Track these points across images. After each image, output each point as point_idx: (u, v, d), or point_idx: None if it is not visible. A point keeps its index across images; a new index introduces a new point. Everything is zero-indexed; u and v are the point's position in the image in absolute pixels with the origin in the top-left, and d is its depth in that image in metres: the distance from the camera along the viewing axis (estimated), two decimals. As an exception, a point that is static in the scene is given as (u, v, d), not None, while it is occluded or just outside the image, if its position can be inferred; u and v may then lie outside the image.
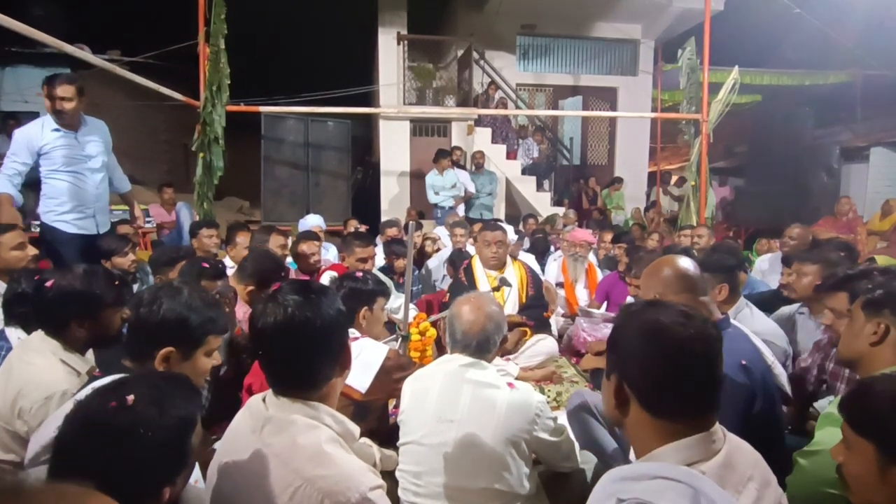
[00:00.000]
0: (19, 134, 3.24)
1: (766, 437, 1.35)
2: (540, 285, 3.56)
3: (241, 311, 2.64)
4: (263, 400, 1.21)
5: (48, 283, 1.65)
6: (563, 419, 1.91)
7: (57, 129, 3.25)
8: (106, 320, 1.71)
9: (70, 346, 1.66)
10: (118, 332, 1.78)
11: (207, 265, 2.46)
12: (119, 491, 0.87)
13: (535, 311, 3.40)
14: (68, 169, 3.33)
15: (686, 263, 1.71)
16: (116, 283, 1.75)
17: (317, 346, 1.18)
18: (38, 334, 1.66)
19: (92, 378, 1.65)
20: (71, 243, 3.37)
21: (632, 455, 1.86)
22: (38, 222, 5.04)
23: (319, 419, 1.16)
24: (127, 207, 4.10)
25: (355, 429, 1.23)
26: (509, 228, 5.24)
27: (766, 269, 4.28)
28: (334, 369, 1.22)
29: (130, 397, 0.93)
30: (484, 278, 3.38)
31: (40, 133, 3.23)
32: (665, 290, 1.66)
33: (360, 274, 2.16)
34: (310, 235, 3.92)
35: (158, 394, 0.96)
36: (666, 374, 0.96)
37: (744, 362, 1.50)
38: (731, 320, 1.80)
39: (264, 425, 1.15)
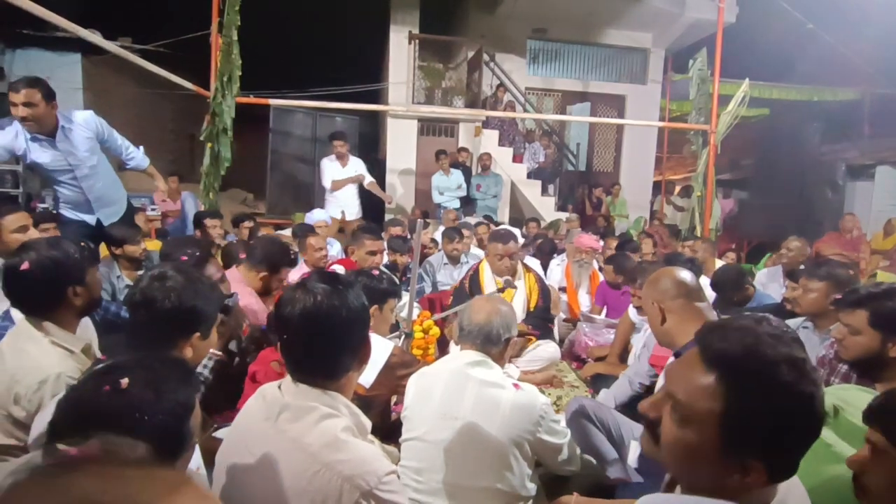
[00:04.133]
0: None
1: None
2: (548, 296, 3.56)
3: (253, 303, 2.63)
4: (279, 388, 1.23)
5: (24, 266, 1.56)
6: (564, 423, 1.91)
7: (34, 139, 3.04)
8: (91, 282, 1.69)
9: (60, 324, 1.61)
10: (100, 294, 1.79)
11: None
12: None
13: (540, 320, 3.40)
14: (57, 178, 3.26)
15: (682, 272, 1.80)
16: (81, 244, 1.77)
17: (341, 335, 1.21)
18: (25, 322, 1.61)
19: (97, 362, 1.65)
20: (71, 226, 3.39)
21: (631, 456, 1.88)
22: (44, 205, 5.07)
23: (336, 408, 1.19)
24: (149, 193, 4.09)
25: (367, 422, 1.25)
26: (516, 231, 5.25)
27: (764, 281, 4.29)
28: (353, 361, 1.25)
29: (125, 381, 0.91)
30: (492, 284, 3.36)
31: (14, 142, 3.02)
32: (663, 297, 1.75)
33: (376, 272, 2.17)
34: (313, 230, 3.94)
35: (154, 377, 0.95)
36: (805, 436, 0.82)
37: None
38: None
39: (281, 412, 1.17)
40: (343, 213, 6.05)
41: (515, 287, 3.16)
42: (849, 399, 1.36)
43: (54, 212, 3.44)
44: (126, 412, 0.89)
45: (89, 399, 0.90)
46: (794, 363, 0.80)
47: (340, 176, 6.02)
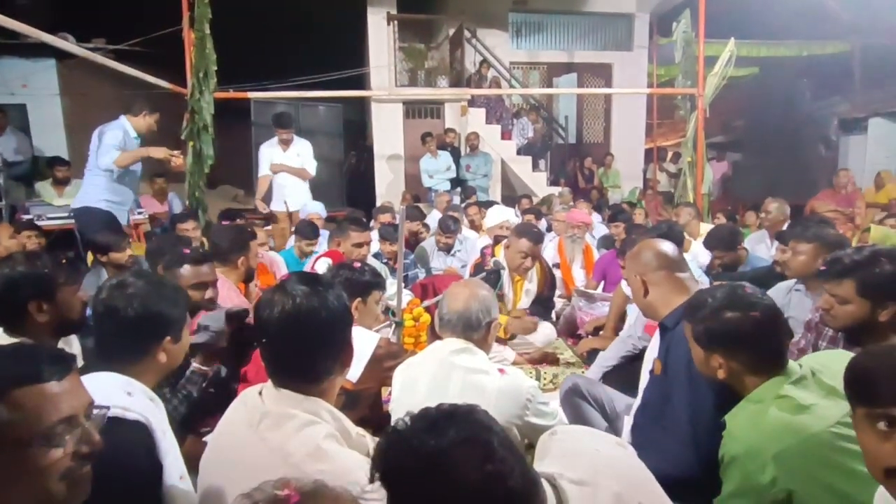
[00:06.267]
0: (112, 136, 3.78)
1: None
2: (554, 286, 3.53)
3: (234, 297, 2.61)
4: (260, 393, 1.21)
5: None
6: (554, 404, 1.90)
7: (136, 137, 3.93)
8: (64, 300, 1.66)
9: (35, 339, 1.59)
10: (81, 315, 1.75)
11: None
12: None
13: (542, 307, 3.39)
14: (133, 169, 3.93)
15: (663, 244, 1.81)
16: (63, 261, 1.73)
17: (321, 338, 1.20)
18: (2, 336, 1.61)
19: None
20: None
21: (625, 430, 1.88)
22: (28, 216, 5.01)
23: (318, 414, 1.17)
24: None
25: (352, 427, 1.23)
26: (510, 211, 5.20)
27: (752, 245, 4.27)
28: (335, 365, 1.23)
29: None
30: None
31: (123, 138, 3.82)
32: (645, 270, 1.76)
33: (357, 264, 2.15)
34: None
35: None
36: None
37: None
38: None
39: (262, 419, 1.15)
40: (286, 203, 5.36)
41: (504, 267, 3.12)
42: (824, 362, 1.39)
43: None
44: None
45: None
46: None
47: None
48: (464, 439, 0.77)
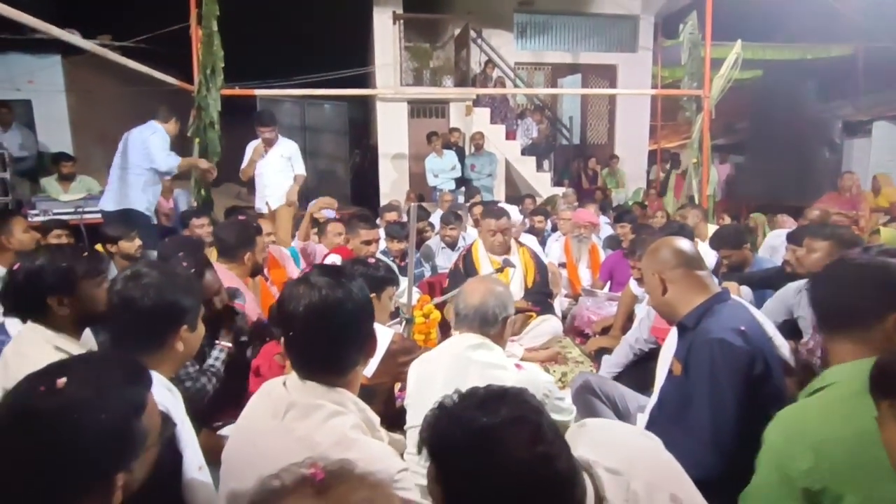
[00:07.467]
0: (161, 139, 4.19)
1: (766, 399, 1.45)
2: (545, 271, 3.53)
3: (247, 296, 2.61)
4: (284, 384, 1.21)
5: (16, 267, 1.60)
6: (570, 400, 1.90)
7: (166, 136, 4.28)
8: (86, 293, 1.62)
9: (61, 330, 1.59)
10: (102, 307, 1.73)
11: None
12: (57, 479, 0.83)
13: (540, 295, 3.38)
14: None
15: (680, 242, 1.79)
16: (85, 254, 1.69)
17: (347, 329, 1.21)
18: (29, 325, 1.60)
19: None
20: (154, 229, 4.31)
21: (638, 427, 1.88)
22: (34, 212, 5.01)
23: (344, 405, 1.17)
24: None
25: (376, 418, 1.23)
26: (513, 209, 5.21)
27: (776, 244, 4.21)
28: (360, 356, 1.24)
29: (61, 380, 0.87)
30: (487, 263, 3.33)
31: (166, 138, 4.23)
32: (663, 268, 1.74)
33: (372, 260, 2.16)
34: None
35: (96, 375, 0.92)
36: None
37: (742, 328, 1.57)
38: (732, 294, 1.86)
39: (287, 410, 1.15)
40: (268, 204, 5.05)
41: (514, 266, 3.13)
42: None
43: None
44: (60, 413, 0.84)
45: (22, 401, 0.86)
46: None
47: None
48: (515, 418, 0.77)
